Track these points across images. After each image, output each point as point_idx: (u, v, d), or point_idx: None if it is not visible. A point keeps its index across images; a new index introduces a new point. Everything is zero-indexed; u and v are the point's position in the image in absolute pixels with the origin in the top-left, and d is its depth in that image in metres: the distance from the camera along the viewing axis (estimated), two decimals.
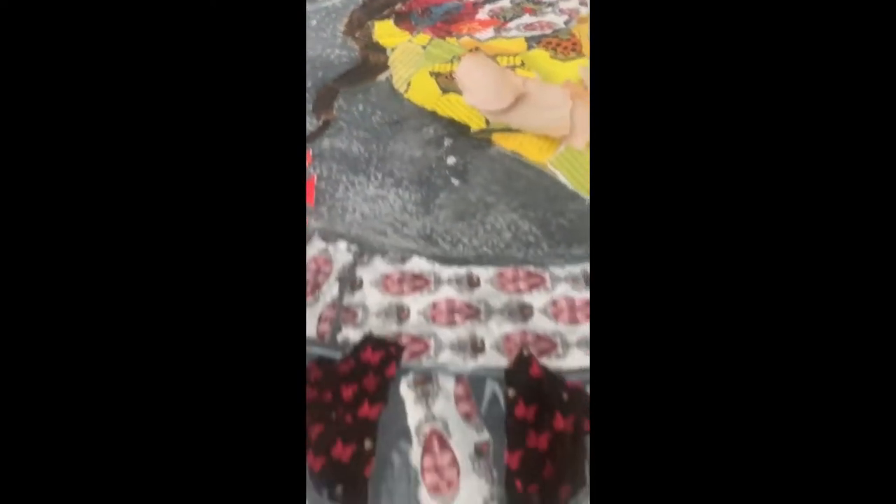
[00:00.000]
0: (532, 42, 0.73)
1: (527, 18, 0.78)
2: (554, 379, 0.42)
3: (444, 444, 0.39)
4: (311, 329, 0.45)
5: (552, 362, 0.43)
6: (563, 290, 0.47)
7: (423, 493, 0.37)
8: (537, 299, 0.47)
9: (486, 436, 0.39)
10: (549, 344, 0.44)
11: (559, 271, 0.48)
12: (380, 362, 0.43)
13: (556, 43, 0.73)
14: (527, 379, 0.42)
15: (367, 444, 0.39)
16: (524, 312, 0.46)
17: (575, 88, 0.66)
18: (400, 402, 0.41)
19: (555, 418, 0.40)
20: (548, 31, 0.75)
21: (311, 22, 0.77)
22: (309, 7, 0.79)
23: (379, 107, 0.64)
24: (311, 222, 0.52)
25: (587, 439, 0.39)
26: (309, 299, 0.46)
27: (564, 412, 0.40)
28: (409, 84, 0.67)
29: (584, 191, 0.55)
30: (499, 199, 0.54)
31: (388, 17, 0.79)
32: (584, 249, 0.50)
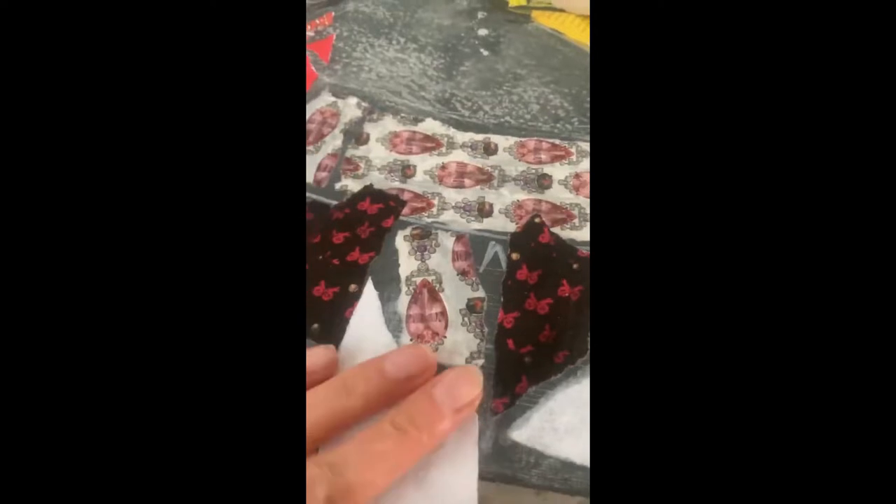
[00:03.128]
0: None
1: None
2: (565, 247, 0.38)
3: (434, 297, 0.35)
4: (309, 176, 0.41)
5: (565, 233, 0.38)
6: (588, 164, 0.42)
7: (405, 340, 0.33)
8: (559, 171, 0.42)
9: (481, 293, 0.35)
10: (565, 214, 0.39)
11: (587, 146, 0.44)
12: (378, 213, 0.39)
13: None
14: (535, 245, 0.38)
15: (353, 287, 0.36)
16: (542, 182, 0.41)
17: None
18: (394, 253, 0.37)
19: (560, 285, 0.36)
20: None
21: None
22: None
23: None
24: (324, 78, 0.48)
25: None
26: (309, 148, 0.43)
27: (572, 281, 0.36)
28: None
29: None
30: (530, 73, 0.49)
31: None
32: None
